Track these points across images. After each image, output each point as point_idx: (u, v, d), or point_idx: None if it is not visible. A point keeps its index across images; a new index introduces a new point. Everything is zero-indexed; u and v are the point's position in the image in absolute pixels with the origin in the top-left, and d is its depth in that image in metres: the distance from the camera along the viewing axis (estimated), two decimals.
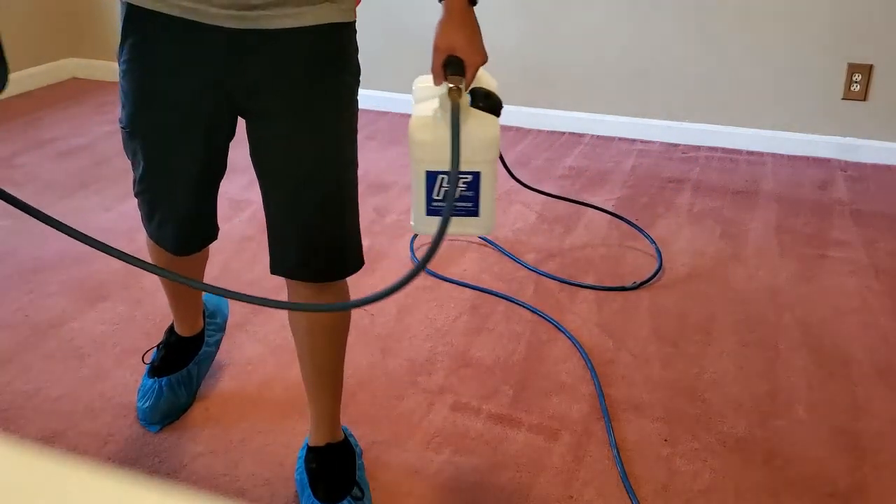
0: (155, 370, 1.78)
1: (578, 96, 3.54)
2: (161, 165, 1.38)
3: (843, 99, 3.22)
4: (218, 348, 1.91)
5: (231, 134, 1.39)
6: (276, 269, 1.42)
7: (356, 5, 1.33)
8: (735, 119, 3.38)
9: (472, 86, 1.37)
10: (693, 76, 3.37)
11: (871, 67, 3.16)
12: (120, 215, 2.72)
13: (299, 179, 1.34)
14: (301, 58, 1.28)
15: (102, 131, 3.52)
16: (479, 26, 1.32)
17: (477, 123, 1.34)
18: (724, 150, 3.36)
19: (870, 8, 3.09)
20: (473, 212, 1.40)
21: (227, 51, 1.25)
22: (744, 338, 2.07)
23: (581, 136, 3.52)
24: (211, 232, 1.51)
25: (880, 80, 3.16)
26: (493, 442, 1.71)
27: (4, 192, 1.03)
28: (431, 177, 1.36)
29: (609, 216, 2.74)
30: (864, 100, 3.20)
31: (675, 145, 3.42)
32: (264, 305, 1.12)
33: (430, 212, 1.38)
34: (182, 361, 1.80)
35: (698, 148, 3.39)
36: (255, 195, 2.88)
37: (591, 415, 1.79)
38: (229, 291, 1.05)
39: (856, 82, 3.18)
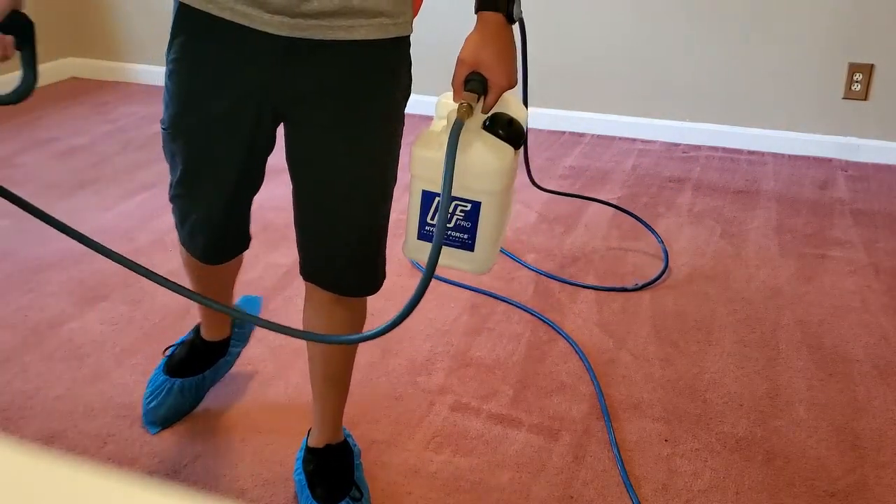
0: (171, 368, 1.76)
1: (579, 96, 3.54)
2: (199, 171, 1.35)
3: (843, 98, 3.22)
4: (236, 359, 1.87)
5: (271, 145, 1.34)
6: (304, 273, 1.42)
7: (414, 17, 1.27)
8: (736, 118, 3.38)
9: (497, 110, 1.25)
10: (694, 76, 3.37)
11: (871, 67, 3.16)
12: (119, 215, 2.72)
13: (336, 194, 1.32)
14: (351, 71, 1.24)
15: (102, 131, 3.52)
16: (514, 47, 1.21)
17: (486, 150, 1.23)
18: (724, 149, 3.36)
19: (871, 8, 3.09)
20: (468, 245, 1.27)
21: (276, 58, 1.22)
22: (744, 338, 2.07)
23: (581, 135, 3.51)
24: (242, 242, 1.49)
25: (881, 79, 3.16)
26: (493, 442, 1.71)
27: (7, 191, 1.03)
28: (427, 197, 1.25)
29: (609, 217, 2.73)
30: (865, 99, 3.20)
31: (676, 145, 3.42)
32: (286, 334, 1.12)
33: (422, 236, 1.28)
34: (200, 366, 1.78)
35: (699, 147, 3.39)
36: (255, 195, 2.89)
37: (591, 415, 1.79)
38: (251, 316, 1.05)
39: (857, 82, 3.18)
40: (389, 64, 1.27)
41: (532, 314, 2.15)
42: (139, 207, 2.78)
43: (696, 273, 2.37)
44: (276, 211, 2.73)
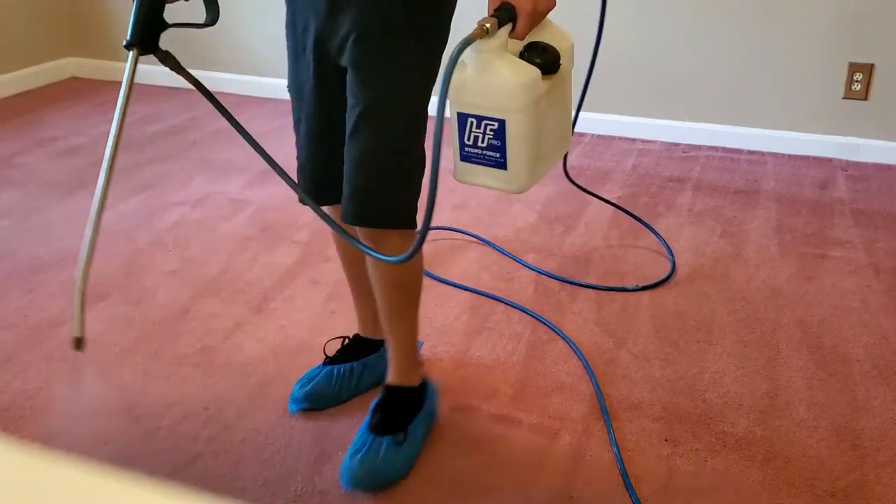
0: (327, 359, 1.85)
1: (579, 95, 3.54)
2: (298, 119, 1.59)
3: (843, 98, 3.22)
4: (385, 371, 1.76)
5: (341, 92, 1.48)
6: (342, 216, 1.53)
7: None
8: (736, 118, 3.38)
9: (537, 38, 1.35)
10: (694, 75, 3.36)
11: (872, 67, 3.15)
12: (120, 214, 2.72)
13: (356, 122, 1.45)
14: (373, 17, 1.40)
15: (102, 130, 3.52)
16: None
17: (508, 69, 1.29)
18: (724, 149, 3.36)
19: (871, 8, 3.09)
20: (501, 164, 1.34)
21: (325, 14, 1.43)
22: (744, 337, 2.07)
23: (582, 135, 3.51)
24: (331, 193, 1.58)
25: (881, 79, 3.16)
26: (493, 442, 1.71)
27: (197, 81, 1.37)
28: (462, 119, 1.33)
29: (609, 216, 2.74)
30: (865, 99, 3.20)
31: (676, 144, 3.42)
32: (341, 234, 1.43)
33: (464, 157, 1.36)
34: (350, 357, 1.84)
35: (699, 147, 3.39)
36: (255, 195, 2.89)
37: (591, 414, 1.79)
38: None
39: (857, 82, 3.18)
40: (402, 13, 1.41)
41: (531, 315, 2.15)
42: (139, 207, 2.78)
43: (696, 273, 2.37)
44: (276, 211, 2.73)
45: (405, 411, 1.67)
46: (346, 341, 1.87)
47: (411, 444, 1.63)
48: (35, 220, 2.69)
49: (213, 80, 4.02)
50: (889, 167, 3.19)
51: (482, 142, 1.33)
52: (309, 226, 2.63)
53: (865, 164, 3.21)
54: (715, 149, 3.38)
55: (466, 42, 1.21)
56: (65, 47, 4.26)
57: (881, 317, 2.16)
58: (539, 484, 1.59)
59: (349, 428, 1.73)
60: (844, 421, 1.77)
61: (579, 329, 2.09)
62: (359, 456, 1.57)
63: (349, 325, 2.10)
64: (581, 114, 3.70)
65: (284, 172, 1.44)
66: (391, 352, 1.67)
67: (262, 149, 1.43)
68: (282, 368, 1.93)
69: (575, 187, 2.58)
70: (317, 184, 1.60)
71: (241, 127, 1.41)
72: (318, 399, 1.79)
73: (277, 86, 3.96)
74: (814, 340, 2.06)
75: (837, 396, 1.85)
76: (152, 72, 4.14)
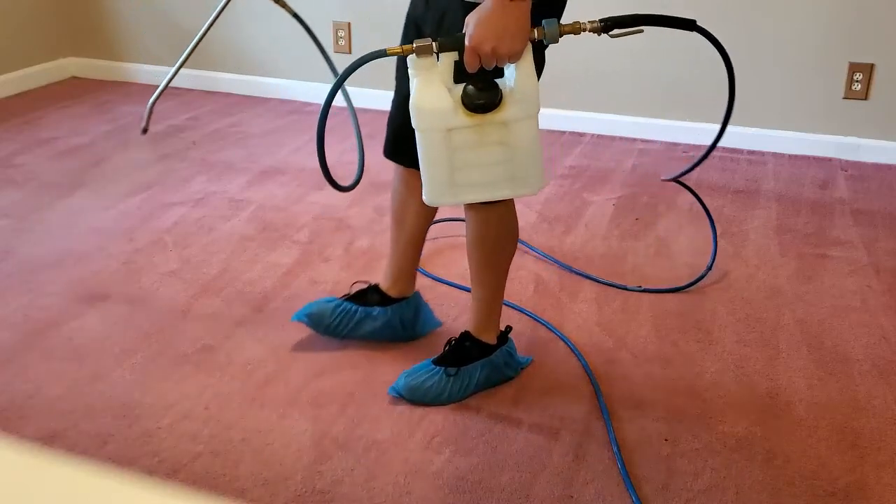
0: (345, 296, 2.01)
1: (579, 95, 3.54)
2: (397, 87, 1.83)
3: (844, 98, 3.22)
4: (381, 328, 1.99)
5: None
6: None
7: None
8: (736, 118, 3.36)
9: (502, 80, 1.48)
10: (694, 75, 3.36)
11: (872, 67, 3.15)
12: (119, 214, 2.72)
13: None
14: (446, 9, 1.60)
15: (102, 130, 3.52)
16: (504, 20, 1.38)
17: (418, 91, 1.46)
18: (724, 149, 3.36)
19: (871, 7, 3.09)
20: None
21: (421, 2, 1.69)
22: (744, 337, 2.07)
23: (582, 135, 3.51)
24: (403, 155, 1.79)
25: (881, 79, 3.16)
26: (494, 441, 1.71)
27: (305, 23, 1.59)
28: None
29: (609, 216, 2.74)
30: (866, 99, 3.20)
31: (676, 144, 3.42)
32: None
33: None
34: (359, 301, 1.99)
35: (699, 147, 3.39)
36: (255, 195, 2.89)
37: (591, 414, 1.79)
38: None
39: (857, 81, 3.18)
40: (464, 5, 1.54)
41: (531, 316, 2.15)
42: (139, 207, 2.78)
43: (696, 273, 2.37)
44: (276, 211, 2.73)
45: (467, 355, 1.82)
46: (367, 286, 2.02)
47: (460, 382, 1.80)
48: (35, 220, 2.69)
49: (213, 80, 4.02)
50: (889, 167, 3.19)
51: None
52: (309, 225, 2.64)
53: (865, 164, 3.21)
54: (715, 148, 3.37)
55: (367, 57, 1.42)
56: (65, 47, 4.26)
57: (881, 317, 2.16)
58: (539, 484, 1.59)
59: (349, 427, 1.73)
60: (844, 421, 1.77)
61: (579, 329, 2.09)
62: (410, 372, 1.82)
63: None
64: (581, 113, 3.71)
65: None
66: (471, 302, 1.87)
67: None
68: (282, 368, 1.93)
69: (573, 186, 2.58)
70: (397, 145, 1.84)
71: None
72: (317, 321, 1.98)
73: (277, 86, 3.96)
74: (814, 340, 2.06)
75: (837, 396, 1.85)
76: (153, 72, 4.15)
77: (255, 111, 3.75)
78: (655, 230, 2.64)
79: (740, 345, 2.04)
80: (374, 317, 1.97)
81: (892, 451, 1.69)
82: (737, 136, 3.38)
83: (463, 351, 1.83)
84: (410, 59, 1.44)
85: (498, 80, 1.48)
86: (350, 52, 3.74)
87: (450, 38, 1.42)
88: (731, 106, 1.88)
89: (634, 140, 3.47)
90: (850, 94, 3.20)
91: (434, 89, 1.44)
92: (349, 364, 1.95)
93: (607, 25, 1.49)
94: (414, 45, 1.42)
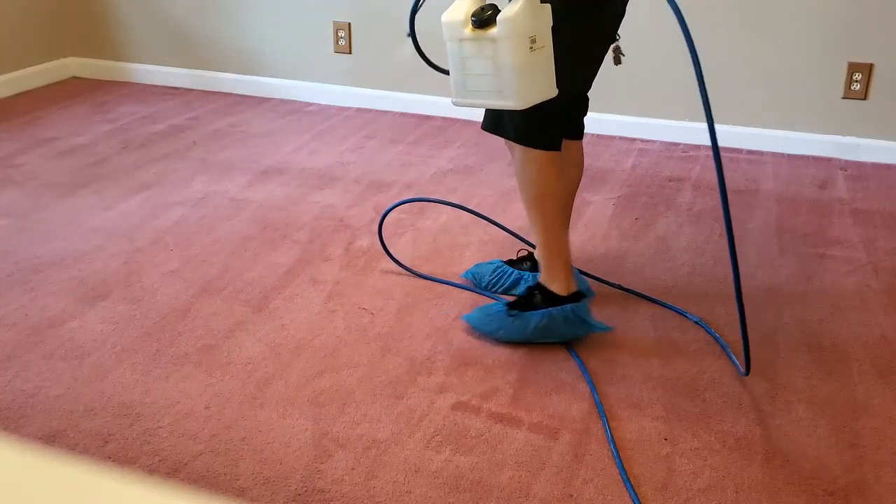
0: (508, 259, 2.29)
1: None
2: None
3: (843, 98, 3.22)
4: (511, 286, 2.22)
5: None
6: None
7: None
8: (735, 118, 3.38)
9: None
10: (693, 75, 3.36)
11: (871, 66, 3.16)
12: (120, 214, 2.72)
13: None
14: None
15: (102, 130, 3.52)
16: None
17: (451, 7, 1.73)
18: (724, 149, 3.36)
19: (870, 7, 3.09)
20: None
21: None
22: None
23: None
24: (505, 128, 1.96)
25: (881, 79, 3.16)
26: (494, 441, 1.71)
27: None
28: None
29: (609, 216, 2.74)
30: (865, 99, 3.20)
31: (676, 144, 3.42)
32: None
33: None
34: (514, 265, 2.25)
35: (698, 147, 3.39)
36: (255, 195, 2.89)
37: (591, 413, 1.79)
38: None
39: (856, 81, 3.18)
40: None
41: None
42: (139, 207, 2.78)
43: (695, 272, 2.37)
44: (276, 211, 2.73)
45: (532, 302, 1.99)
46: (528, 253, 2.25)
47: (519, 323, 1.97)
48: (35, 220, 2.69)
49: (214, 80, 4.02)
50: (888, 167, 3.19)
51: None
52: (309, 225, 2.64)
53: (865, 164, 3.22)
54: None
55: None
56: (65, 47, 4.26)
57: (881, 316, 2.17)
58: (539, 483, 1.59)
59: (349, 427, 1.74)
60: (844, 420, 1.78)
61: None
62: (484, 307, 2.06)
63: (349, 323, 2.11)
64: None
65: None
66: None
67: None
68: (282, 368, 1.94)
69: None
70: (493, 116, 1.99)
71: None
72: (478, 279, 2.26)
73: (277, 86, 3.96)
74: (813, 339, 2.06)
75: (837, 395, 1.85)
76: (153, 72, 4.15)
77: (256, 111, 3.76)
78: (655, 230, 2.65)
79: (740, 344, 2.04)
80: (526, 280, 2.20)
81: (891, 450, 1.69)
82: (736, 136, 3.38)
83: (532, 298, 2.00)
84: None
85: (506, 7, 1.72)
86: (350, 53, 3.75)
87: None
88: (700, 74, 1.94)
89: (634, 140, 3.48)
90: (849, 94, 3.21)
91: (458, 8, 1.73)
92: (349, 364, 1.96)
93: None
94: None
